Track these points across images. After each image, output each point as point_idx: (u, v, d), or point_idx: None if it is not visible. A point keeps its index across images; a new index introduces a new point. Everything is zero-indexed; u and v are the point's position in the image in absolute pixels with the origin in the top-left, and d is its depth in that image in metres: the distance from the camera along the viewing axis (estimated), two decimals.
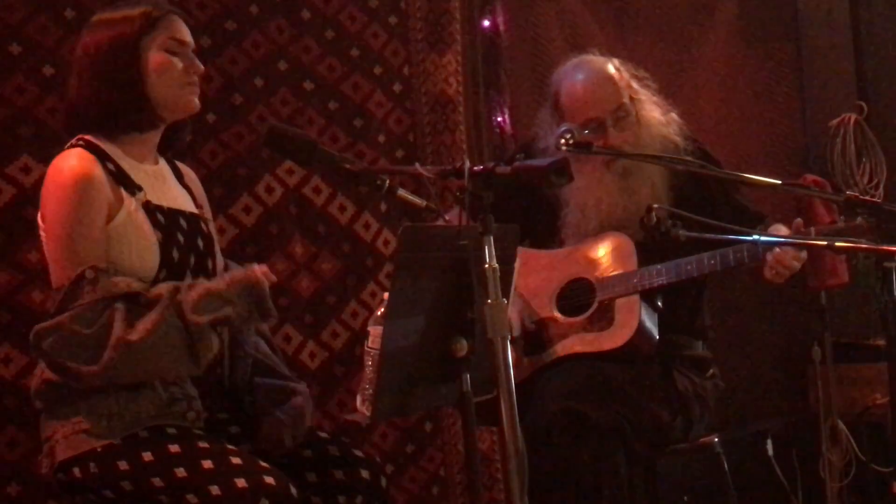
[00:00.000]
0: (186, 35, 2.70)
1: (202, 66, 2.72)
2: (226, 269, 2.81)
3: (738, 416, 4.65)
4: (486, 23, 4.19)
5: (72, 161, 2.57)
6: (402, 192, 2.48)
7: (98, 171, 2.57)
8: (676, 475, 3.84)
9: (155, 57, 2.63)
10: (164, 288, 2.52)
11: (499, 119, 4.19)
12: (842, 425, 4.33)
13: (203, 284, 2.53)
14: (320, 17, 3.84)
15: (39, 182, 3.20)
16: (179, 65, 2.66)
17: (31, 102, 3.26)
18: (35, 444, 3.00)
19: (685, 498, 3.94)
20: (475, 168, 2.32)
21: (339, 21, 3.87)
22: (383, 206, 3.89)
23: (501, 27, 4.21)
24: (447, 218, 2.53)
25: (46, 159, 3.22)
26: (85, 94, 2.62)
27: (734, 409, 4.60)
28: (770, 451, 4.34)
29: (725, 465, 3.38)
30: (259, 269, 2.57)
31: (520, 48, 4.35)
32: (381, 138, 3.94)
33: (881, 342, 4.37)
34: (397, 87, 3.99)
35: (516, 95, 4.27)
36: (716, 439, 3.37)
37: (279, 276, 3.66)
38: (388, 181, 2.48)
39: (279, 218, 3.71)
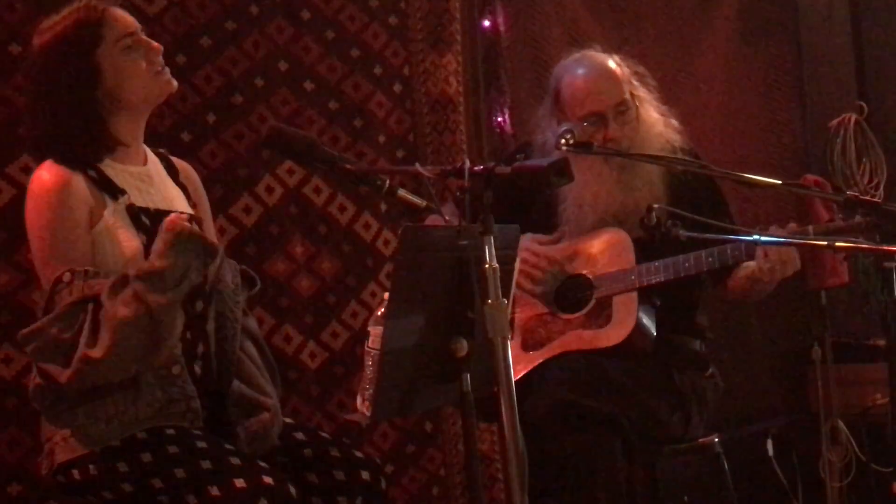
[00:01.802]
0: (129, 23, 2.64)
1: (157, 43, 2.66)
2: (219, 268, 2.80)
3: (738, 416, 4.65)
4: (486, 23, 4.19)
5: (49, 170, 2.56)
6: (402, 193, 2.48)
7: (76, 178, 2.55)
8: (676, 475, 3.84)
9: (115, 65, 2.59)
10: (105, 284, 2.45)
11: (499, 119, 4.19)
12: (842, 425, 4.34)
13: (143, 266, 2.44)
14: (320, 17, 3.84)
15: None
16: (140, 61, 2.62)
17: None
18: (35, 443, 3.01)
19: (685, 498, 3.95)
20: (475, 168, 2.32)
21: (339, 21, 3.87)
22: (383, 206, 3.89)
23: (501, 27, 4.21)
24: (444, 215, 2.53)
25: None
26: (47, 125, 2.59)
27: (734, 409, 4.60)
28: (770, 451, 4.34)
29: (725, 465, 3.38)
30: (172, 219, 2.49)
31: (520, 48, 4.35)
32: (382, 138, 3.94)
33: (881, 342, 4.37)
34: (397, 88, 3.99)
35: (516, 95, 4.27)
36: (716, 439, 3.37)
37: (279, 276, 3.69)
38: (388, 181, 2.48)
39: (279, 218, 3.71)
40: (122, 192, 2.61)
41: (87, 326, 2.41)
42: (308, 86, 3.80)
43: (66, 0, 3.29)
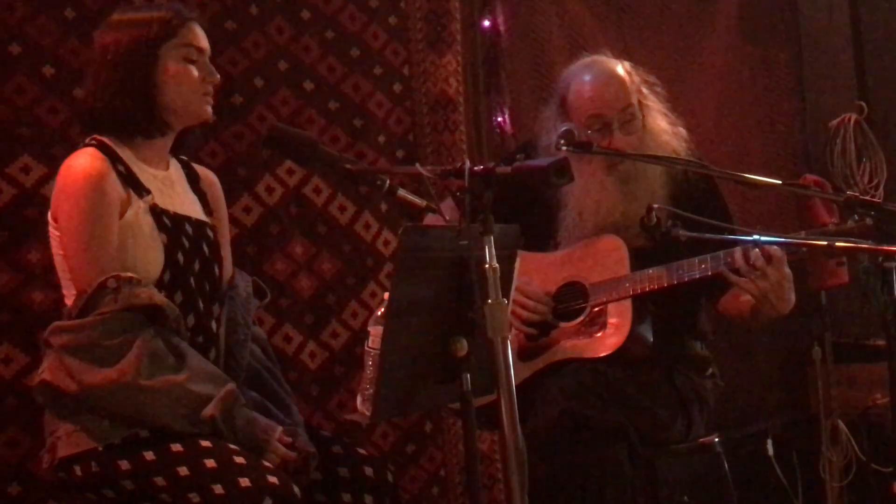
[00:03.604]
0: (204, 42, 2.71)
1: (218, 76, 2.72)
2: (232, 277, 2.83)
3: (738, 416, 4.65)
4: (486, 23, 4.19)
5: (83, 160, 2.58)
6: (402, 192, 2.48)
7: (109, 169, 2.58)
8: (676, 475, 3.84)
9: (172, 66, 2.64)
10: (152, 294, 2.53)
11: (499, 119, 4.19)
12: (842, 425, 4.34)
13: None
14: (320, 17, 3.84)
15: (40, 182, 3.23)
16: (196, 74, 2.67)
17: (31, 102, 3.26)
18: (35, 443, 3.01)
19: (685, 498, 3.94)
20: (475, 168, 2.32)
21: (339, 21, 3.87)
22: (383, 206, 3.89)
23: (501, 27, 4.21)
24: (444, 215, 2.52)
25: (46, 159, 3.24)
26: (100, 96, 2.63)
27: (734, 409, 4.60)
28: (770, 451, 4.34)
29: (725, 465, 3.38)
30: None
31: (520, 48, 4.35)
32: (381, 138, 3.94)
33: (881, 342, 4.37)
34: (397, 87, 3.99)
35: (516, 95, 4.27)
36: (716, 439, 3.37)
37: (279, 276, 3.68)
38: (388, 181, 2.48)
39: (279, 218, 3.71)
40: (148, 191, 2.64)
41: (139, 353, 2.46)
42: (308, 86, 3.80)
43: (65, 1, 3.32)
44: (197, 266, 2.67)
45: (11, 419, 3.17)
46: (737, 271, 3.04)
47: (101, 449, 2.49)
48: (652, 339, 3.24)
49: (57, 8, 3.32)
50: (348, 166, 2.51)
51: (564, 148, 3.08)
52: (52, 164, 3.26)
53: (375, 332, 2.41)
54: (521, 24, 4.37)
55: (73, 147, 3.24)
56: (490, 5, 4.19)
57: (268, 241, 3.69)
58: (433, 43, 4.06)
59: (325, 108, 3.83)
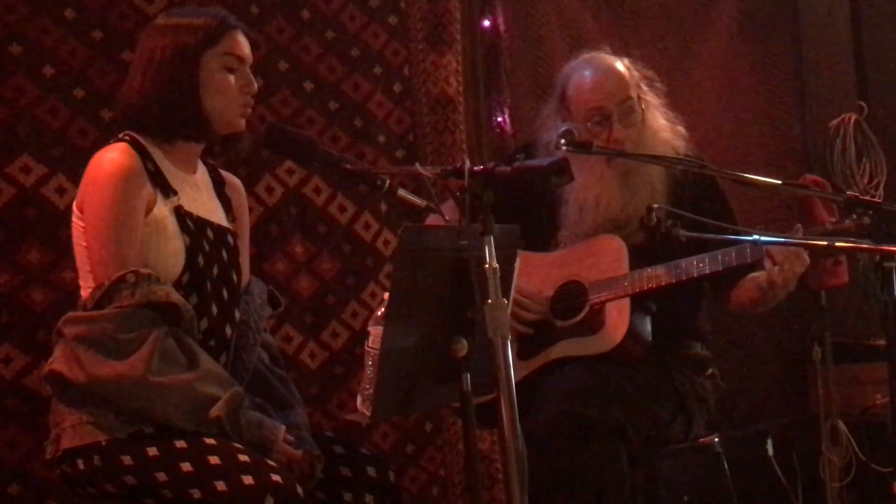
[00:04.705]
0: (246, 50, 2.71)
1: (256, 86, 2.72)
2: (249, 283, 2.83)
3: (738, 416, 4.65)
4: (486, 23, 4.19)
5: (115, 154, 2.59)
6: (402, 192, 2.48)
7: (139, 165, 2.59)
8: (676, 475, 3.83)
9: (213, 75, 2.65)
10: (169, 292, 2.53)
11: (499, 119, 4.19)
12: (842, 425, 4.34)
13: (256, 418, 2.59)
14: (320, 17, 3.84)
15: (40, 182, 3.23)
16: (234, 83, 2.67)
17: (31, 102, 3.26)
18: (35, 443, 3.01)
19: (685, 498, 3.94)
20: (475, 168, 2.32)
21: (339, 21, 3.87)
22: (383, 206, 3.89)
23: (501, 27, 4.21)
24: (444, 215, 2.52)
25: (46, 159, 3.24)
26: (142, 96, 2.63)
27: (734, 409, 4.61)
28: (770, 451, 4.34)
29: (725, 465, 3.38)
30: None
31: (520, 48, 4.35)
32: (382, 138, 3.94)
33: (881, 342, 4.37)
34: (397, 87, 3.99)
35: (516, 95, 4.27)
36: (716, 439, 3.37)
37: (279, 275, 3.68)
38: (388, 181, 2.49)
39: (279, 218, 3.71)
40: (174, 192, 2.65)
41: (151, 348, 2.47)
42: (308, 86, 3.80)
43: (65, 1, 3.32)
44: (216, 271, 2.68)
45: (11, 419, 3.17)
46: (773, 259, 3.04)
47: (104, 443, 2.50)
48: (651, 338, 3.24)
49: (57, 8, 3.32)
50: (348, 166, 2.52)
51: (564, 148, 3.08)
52: (52, 164, 3.26)
53: (375, 332, 2.42)
54: (521, 23, 4.37)
55: (73, 147, 3.26)
56: (490, 5, 4.19)
57: (268, 241, 3.69)
58: (433, 43, 4.05)
59: (325, 108, 3.83)
